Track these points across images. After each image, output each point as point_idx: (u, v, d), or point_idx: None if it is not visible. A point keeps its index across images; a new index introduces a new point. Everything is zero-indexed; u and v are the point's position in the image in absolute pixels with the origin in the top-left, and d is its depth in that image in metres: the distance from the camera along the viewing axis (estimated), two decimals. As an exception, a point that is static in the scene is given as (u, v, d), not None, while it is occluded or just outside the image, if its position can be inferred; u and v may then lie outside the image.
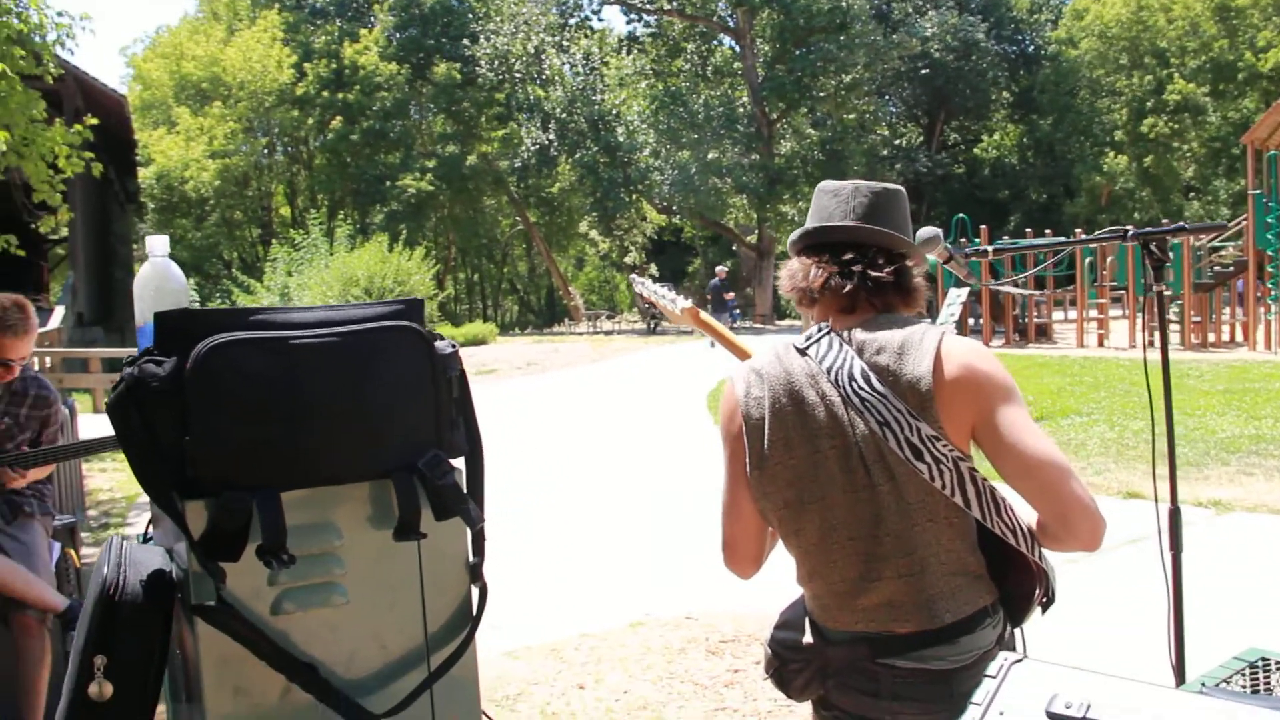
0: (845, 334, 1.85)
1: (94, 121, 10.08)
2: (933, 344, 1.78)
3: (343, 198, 42.40)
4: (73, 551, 4.39)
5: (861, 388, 1.77)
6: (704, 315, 2.50)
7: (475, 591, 1.83)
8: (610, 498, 8.28)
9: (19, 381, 3.95)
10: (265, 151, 41.46)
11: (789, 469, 1.84)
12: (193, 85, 38.74)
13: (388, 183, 40.27)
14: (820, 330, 1.89)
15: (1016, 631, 1.95)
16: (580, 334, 34.46)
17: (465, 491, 1.80)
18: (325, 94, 39.38)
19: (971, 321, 20.16)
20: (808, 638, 1.93)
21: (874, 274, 1.90)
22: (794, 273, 1.99)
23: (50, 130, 9.03)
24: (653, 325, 31.28)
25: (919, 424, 1.73)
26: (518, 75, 39.47)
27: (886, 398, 1.75)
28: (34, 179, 9.28)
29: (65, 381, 15.40)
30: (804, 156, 34.02)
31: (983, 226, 19.80)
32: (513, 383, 18.56)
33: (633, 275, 3.09)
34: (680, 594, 5.53)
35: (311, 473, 1.59)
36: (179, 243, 38.06)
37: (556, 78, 37.75)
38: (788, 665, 1.96)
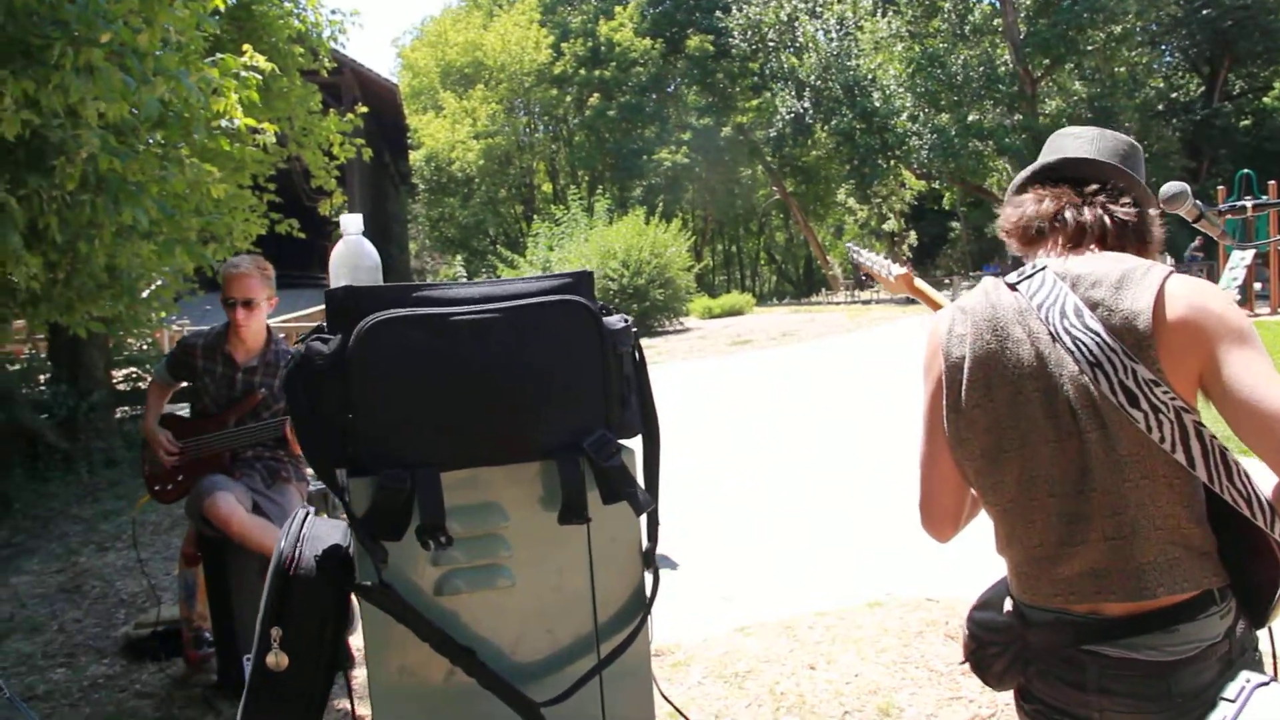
0: (1062, 269, 1.66)
1: (364, 110, 10.71)
2: (1156, 279, 1.56)
3: (602, 172, 43.45)
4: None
5: (1073, 324, 1.58)
6: (919, 283, 2.38)
7: (648, 578, 1.74)
8: (856, 470, 8.04)
9: (272, 353, 4.23)
10: (526, 130, 43.02)
11: (988, 413, 1.67)
12: (456, 70, 40.68)
13: (644, 156, 40.94)
14: (1035, 266, 1.70)
15: (1262, 636, 1.67)
16: (838, 303, 33.91)
17: (643, 473, 1.71)
18: (582, 72, 40.45)
19: (1259, 286, 18.35)
20: (1007, 617, 1.75)
21: (1116, 210, 1.73)
22: (1021, 203, 1.82)
23: (325, 120, 9.66)
24: (912, 295, 30.35)
25: (1135, 366, 1.52)
26: (771, 44, 39.09)
27: (1099, 335, 1.55)
28: (312, 166, 9.96)
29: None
30: (1071, 115, 31.84)
31: (1270, 181, 17.91)
32: (767, 353, 18.49)
33: (849, 244, 2.98)
34: (922, 574, 5.29)
35: (472, 452, 1.56)
36: (448, 220, 40.15)
37: (810, 44, 37.03)
38: (986, 648, 1.78)
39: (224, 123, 5.77)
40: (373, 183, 27.44)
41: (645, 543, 1.73)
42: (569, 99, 41.75)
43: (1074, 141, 1.84)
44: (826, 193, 44.88)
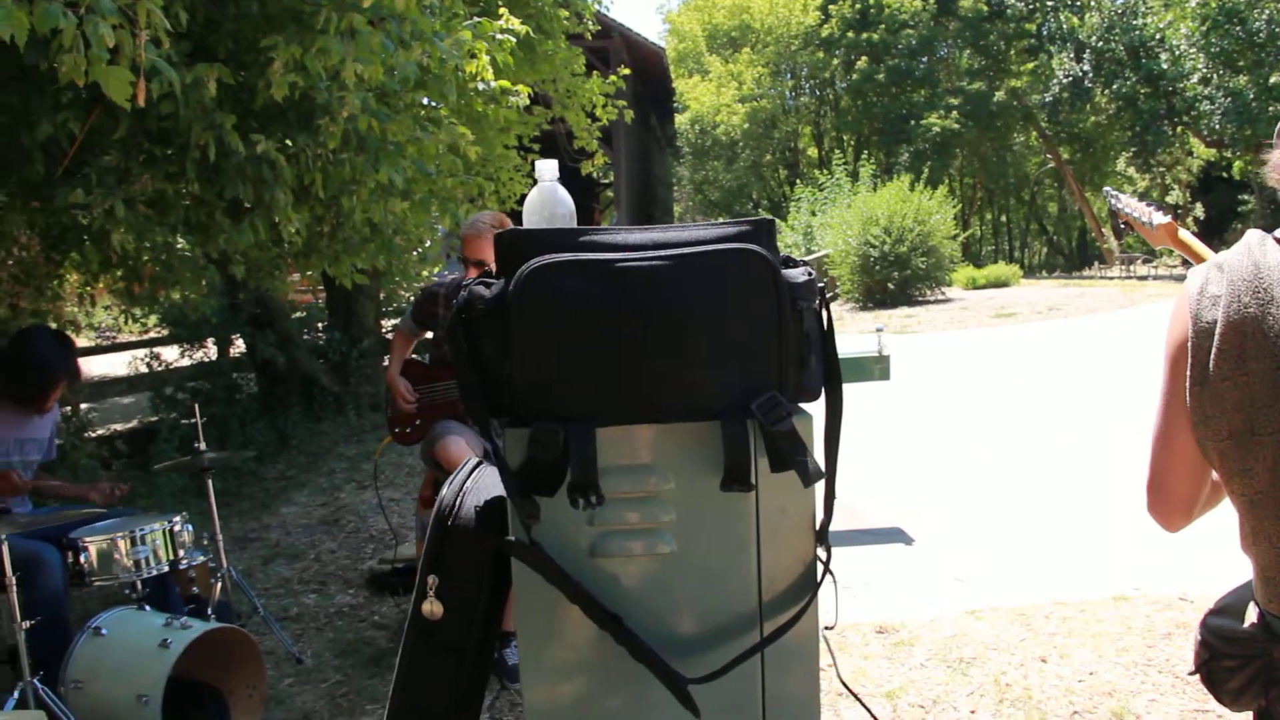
0: None
1: (625, 72, 10.82)
2: None
3: (868, 137, 42.47)
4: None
5: None
6: (1183, 234, 2.09)
7: (821, 555, 1.60)
8: (1111, 453, 7.46)
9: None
10: (791, 94, 42.54)
11: (1240, 388, 1.40)
12: (723, 34, 40.71)
13: (912, 121, 39.67)
14: None
15: None
16: (1111, 278, 31.75)
17: (823, 443, 1.57)
18: (850, 34, 39.54)
19: None
20: (1249, 626, 1.50)
21: None
22: None
23: (588, 83, 9.83)
24: (1197, 271, 28.03)
25: None
26: (1049, 3, 36.79)
27: None
28: (575, 127, 10.17)
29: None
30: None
31: None
32: (1031, 327, 17.64)
33: (1106, 189, 2.68)
34: (1176, 570, 4.84)
35: (632, 407, 1.46)
36: (712, 184, 40.33)
37: (1093, 3, 34.62)
38: (1220, 660, 1.54)
39: (479, 85, 5.92)
40: (639, 145, 27.91)
41: (820, 517, 1.59)
42: (836, 62, 40.91)
43: None
44: (1104, 161, 41.99)
